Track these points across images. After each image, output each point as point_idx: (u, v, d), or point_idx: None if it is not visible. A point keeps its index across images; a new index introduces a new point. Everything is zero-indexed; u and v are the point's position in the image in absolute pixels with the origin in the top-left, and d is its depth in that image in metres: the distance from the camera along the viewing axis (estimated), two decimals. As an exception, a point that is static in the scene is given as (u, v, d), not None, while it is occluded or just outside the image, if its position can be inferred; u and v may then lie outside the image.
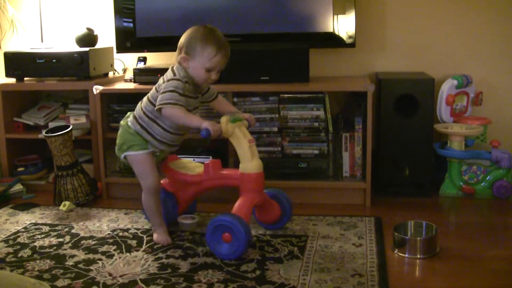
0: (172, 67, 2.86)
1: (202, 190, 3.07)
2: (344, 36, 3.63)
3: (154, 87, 2.88)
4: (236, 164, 2.93)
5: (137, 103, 3.59)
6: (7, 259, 2.76)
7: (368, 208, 3.41)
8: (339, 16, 3.61)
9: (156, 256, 2.75)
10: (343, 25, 3.61)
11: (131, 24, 3.82)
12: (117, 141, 2.98)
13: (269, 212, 3.01)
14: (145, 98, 2.92)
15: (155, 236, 2.95)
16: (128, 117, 2.98)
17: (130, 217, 3.30)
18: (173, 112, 2.74)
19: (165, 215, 3.05)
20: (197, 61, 2.78)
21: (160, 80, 2.84)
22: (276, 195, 3.04)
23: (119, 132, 2.99)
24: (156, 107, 2.78)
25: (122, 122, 2.99)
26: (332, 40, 3.65)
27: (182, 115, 2.74)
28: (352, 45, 3.66)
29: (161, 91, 2.77)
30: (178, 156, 3.22)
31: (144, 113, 2.88)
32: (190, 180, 3.03)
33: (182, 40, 2.83)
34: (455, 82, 3.63)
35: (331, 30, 3.62)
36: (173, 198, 3.11)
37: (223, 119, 2.78)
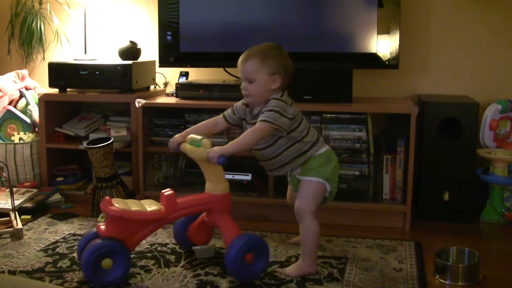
0: None
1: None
2: (387, 57, 3.60)
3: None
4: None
5: (178, 117, 3.64)
6: (46, 269, 2.77)
7: (407, 232, 3.37)
8: (383, 36, 3.59)
9: (195, 273, 2.73)
10: (387, 46, 3.59)
11: (175, 39, 3.83)
12: None
13: (205, 233, 2.97)
14: None
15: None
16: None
17: (168, 232, 3.29)
18: None
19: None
20: None
21: None
22: None
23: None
24: None
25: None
26: (375, 61, 3.62)
27: None
28: (395, 66, 3.63)
29: None
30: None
31: None
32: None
33: None
34: (499, 107, 3.59)
35: (375, 51, 3.60)
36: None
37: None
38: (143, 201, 2.73)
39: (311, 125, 2.83)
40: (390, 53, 3.60)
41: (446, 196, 3.48)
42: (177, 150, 2.83)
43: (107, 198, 2.61)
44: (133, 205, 2.65)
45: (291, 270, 2.72)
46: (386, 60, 3.61)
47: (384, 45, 3.59)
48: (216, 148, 2.59)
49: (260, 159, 2.86)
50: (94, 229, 2.67)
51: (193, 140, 2.74)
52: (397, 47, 3.58)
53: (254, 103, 2.75)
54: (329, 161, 2.79)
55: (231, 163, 2.67)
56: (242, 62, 2.72)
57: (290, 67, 2.74)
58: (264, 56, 2.68)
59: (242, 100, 2.83)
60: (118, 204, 2.61)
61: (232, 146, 2.61)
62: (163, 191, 2.72)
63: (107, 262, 2.56)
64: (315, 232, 2.73)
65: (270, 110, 2.64)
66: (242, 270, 2.63)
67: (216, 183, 2.78)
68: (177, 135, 2.84)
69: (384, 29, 3.59)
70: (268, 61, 2.67)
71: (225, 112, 2.89)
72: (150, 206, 2.68)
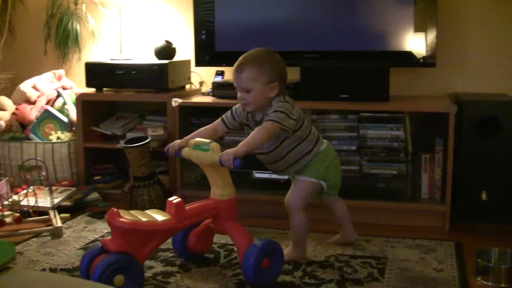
0: None
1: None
2: (424, 55, 3.56)
3: None
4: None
5: (214, 116, 3.62)
6: (87, 268, 2.80)
7: (447, 232, 3.33)
8: (419, 34, 3.55)
9: (234, 272, 2.74)
10: (424, 44, 3.55)
11: (210, 38, 3.84)
12: None
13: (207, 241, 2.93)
14: None
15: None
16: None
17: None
18: None
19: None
20: None
21: None
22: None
23: None
24: None
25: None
26: (412, 59, 3.58)
27: None
28: (432, 64, 3.59)
29: None
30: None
31: None
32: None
33: None
34: (539, 105, 3.53)
35: (411, 49, 3.56)
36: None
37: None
38: (147, 211, 2.62)
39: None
40: (427, 51, 3.55)
41: (484, 196, 3.43)
42: (178, 155, 2.74)
43: (114, 210, 2.47)
44: (141, 216, 2.53)
45: (285, 253, 2.78)
46: (423, 58, 3.57)
47: (420, 43, 3.55)
48: (229, 151, 2.51)
49: (266, 162, 2.84)
50: (99, 244, 2.52)
51: (199, 144, 2.64)
52: (434, 44, 3.54)
53: (255, 110, 2.72)
54: (323, 160, 2.81)
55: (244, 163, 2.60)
56: (237, 72, 2.66)
57: (286, 72, 2.72)
58: (260, 65, 2.63)
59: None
60: (126, 215, 2.48)
61: (243, 147, 2.54)
62: (169, 199, 2.61)
63: (119, 279, 2.39)
64: (303, 224, 2.84)
65: (275, 111, 2.61)
66: (261, 277, 2.57)
67: (223, 188, 2.70)
68: (177, 141, 2.77)
69: (420, 27, 3.55)
70: (264, 69, 2.63)
71: (224, 117, 2.84)
72: (158, 215, 2.56)
